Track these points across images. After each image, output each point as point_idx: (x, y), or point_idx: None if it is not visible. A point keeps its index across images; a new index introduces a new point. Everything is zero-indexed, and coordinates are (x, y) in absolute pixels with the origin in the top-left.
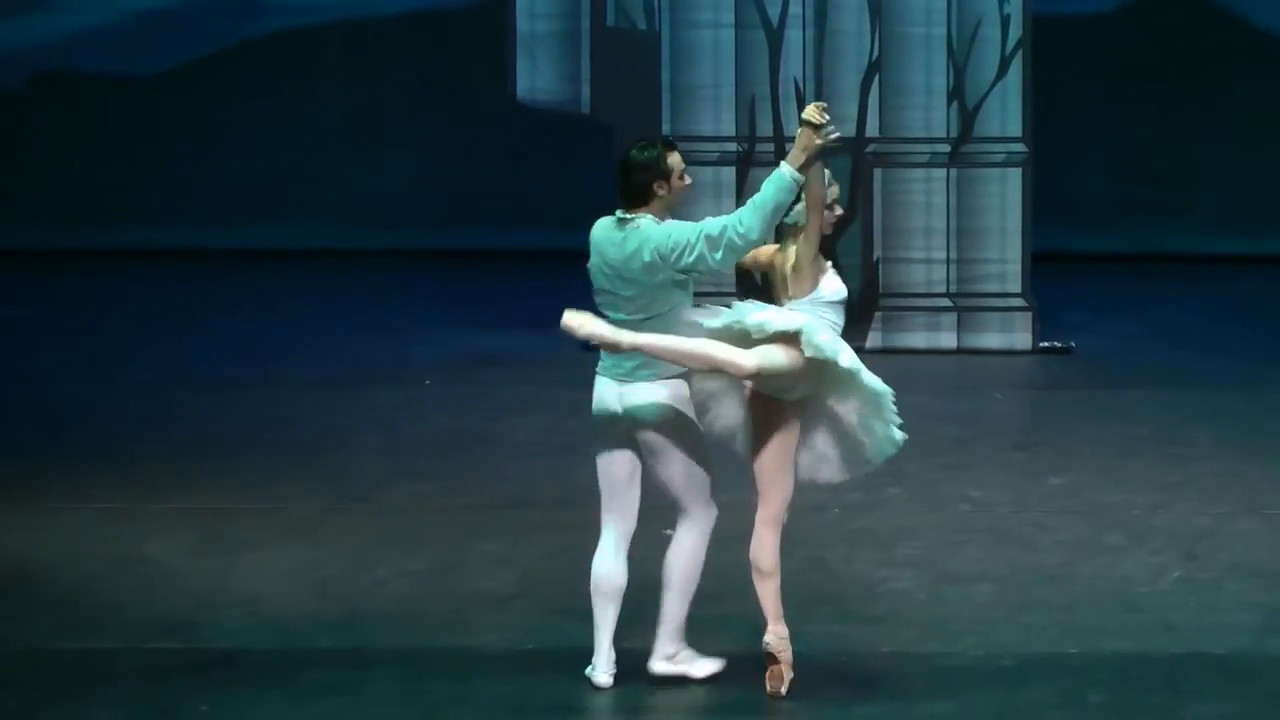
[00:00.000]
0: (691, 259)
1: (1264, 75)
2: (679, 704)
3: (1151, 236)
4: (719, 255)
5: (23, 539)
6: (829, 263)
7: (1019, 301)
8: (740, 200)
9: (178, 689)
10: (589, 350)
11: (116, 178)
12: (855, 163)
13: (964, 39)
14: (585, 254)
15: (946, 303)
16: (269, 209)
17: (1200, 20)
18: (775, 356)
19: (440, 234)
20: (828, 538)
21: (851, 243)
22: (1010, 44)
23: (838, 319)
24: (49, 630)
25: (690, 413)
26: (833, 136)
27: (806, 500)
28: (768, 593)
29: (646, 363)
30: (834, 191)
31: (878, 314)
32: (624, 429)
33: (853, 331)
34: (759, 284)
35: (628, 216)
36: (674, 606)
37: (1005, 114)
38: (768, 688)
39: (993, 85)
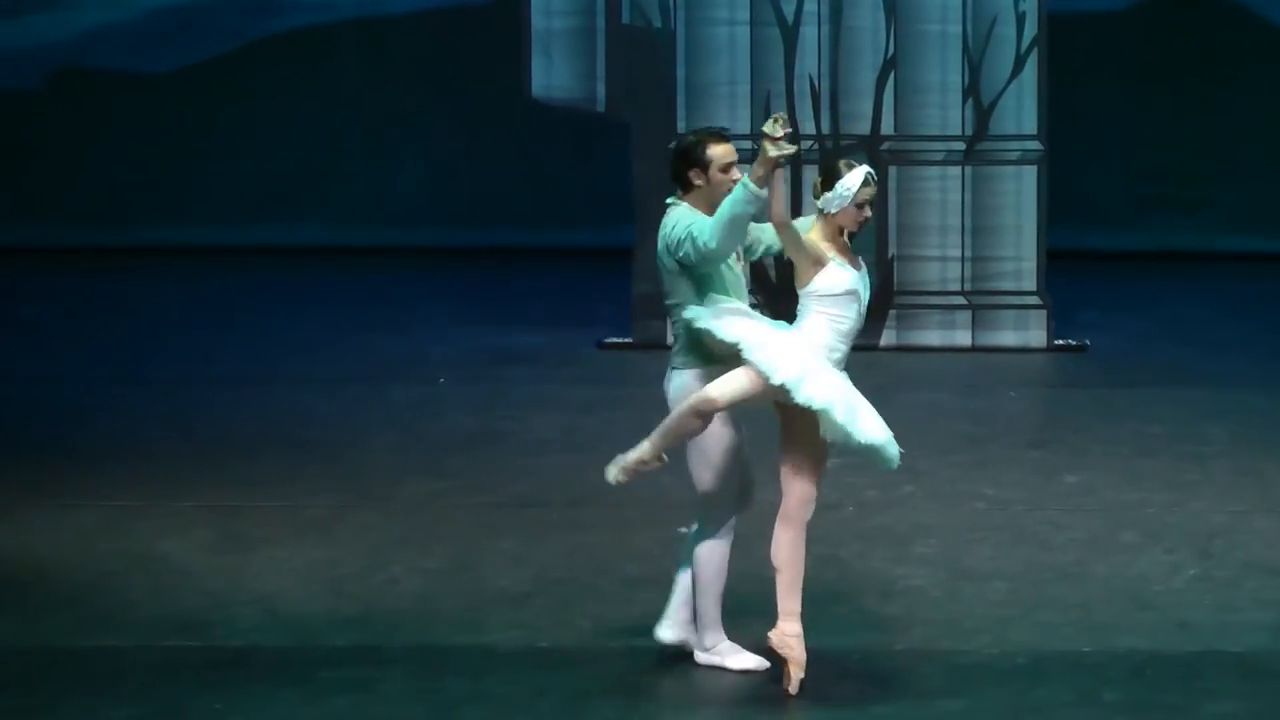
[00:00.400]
0: (681, 254)
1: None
2: (694, 698)
3: (1167, 234)
4: (693, 256)
5: (38, 536)
6: (831, 259)
7: (1034, 299)
8: None
9: (192, 687)
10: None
11: (133, 175)
12: (870, 161)
13: (979, 36)
14: (601, 251)
15: (961, 300)
16: (285, 206)
17: (1216, 18)
18: (734, 386)
19: (455, 231)
20: (842, 535)
21: (866, 240)
22: (1025, 42)
23: (840, 311)
24: (63, 628)
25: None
26: (788, 151)
27: (821, 498)
28: (778, 588)
29: (679, 350)
30: (868, 193)
31: (892, 311)
32: None
33: (867, 329)
34: (773, 282)
35: (670, 201)
36: (699, 601)
37: (1020, 112)
38: (783, 684)
39: (1008, 83)
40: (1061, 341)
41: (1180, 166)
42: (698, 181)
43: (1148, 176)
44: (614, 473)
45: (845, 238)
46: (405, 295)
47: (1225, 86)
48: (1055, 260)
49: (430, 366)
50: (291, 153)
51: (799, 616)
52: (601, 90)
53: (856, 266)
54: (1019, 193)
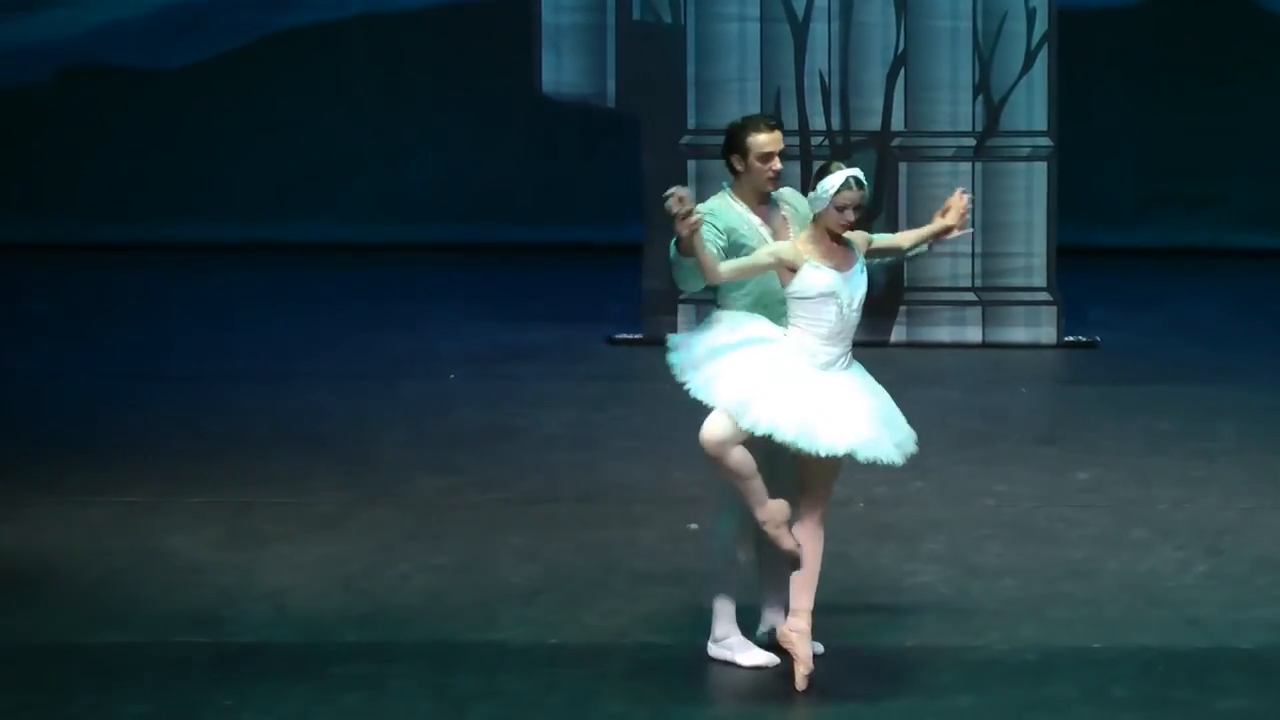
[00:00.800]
0: None
1: None
2: (703, 694)
3: (1177, 231)
4: None
5: (47, 533)
6: (806, 261)
7: (1044, 296)
8: None
9: (202, 683)
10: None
11: (142, 172)
12: (880, 157)
13: (989, 32)
14: (611, 246)
15: (972, 297)
16: (294, 203)
17: (1226, 14)
18: (716, 424)
19: (465, 227)
20: (852, 532)
21: None
22: (1036, 38)
23: (813, 314)
24: (74, 624)
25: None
26: (693, 220)
27: (831, 494)
28: (791, 584)
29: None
30: (849, 197)
31: (902, 308)
32: None
33: (878, 325)
34: None
35: (723, 185)
36: (713, 588)
37: (1031, 108)
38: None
39: (1018, 79)
40: (1072, 338)
41: (1191, 163)
42: (739, 167)
43: (1158, 173)
44: (791, 544)
45: (837, 238)
46: (415, 291)
47: (1236, 83)
48: (1065, 257)
49: (440, 362)
50: (301, 149)
51: (809, 614)
52: (612, 86)
53: (844, 267)
54: (1029, 189)
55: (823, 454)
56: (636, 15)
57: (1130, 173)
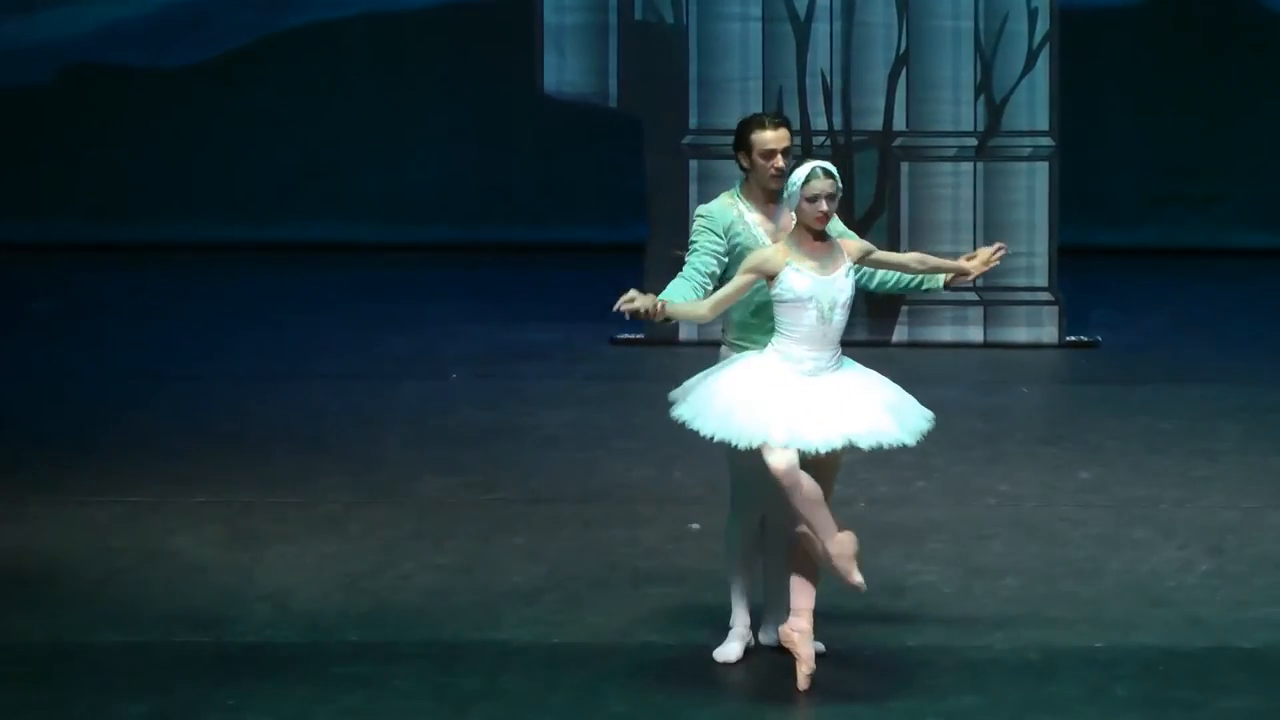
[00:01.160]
0: None
1: None
2: (706, 693)
3: (1180, 230)
4: None
5: (50, 532)
6: (787, 264)
7: (1046, 295)
8: None
9: (205, 682)
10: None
11: (145, 172)
12: (882, 156)
13: (991, 32)
14: (613, 246)
15: (973, 296)
16: (297, 203)
17: (1228, 13)
18: (781, 461)
19: (468, 228)
20: (855, 531)
21: (879, 236)
22: (1038, 37)
23: (791, 318)
24: (76, 624)
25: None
26: (655, 307)
27: (834, 497)
28: (791, 583)
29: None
30: (818, 186)
31: (904, 308)
32: None
33: (880, 325)
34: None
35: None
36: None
37: (1033, 107)
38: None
39: (1020, 79)
40: (1073, 338)
41: (1193, 163)
42: (744, 164)
43: (1160, 172)
44: (858, 580)
45: (820, 236)
46: (417, 291)
47: (1238, 82)
48: (1067, 256)
49: (442, 362)
50: (303, 149)
51: (810, 614)
52: (614, 86)
53: (827, 271)
54: (1031, 189)
55: (821, 451)
56: (638, 15)
57: (1132, 172)
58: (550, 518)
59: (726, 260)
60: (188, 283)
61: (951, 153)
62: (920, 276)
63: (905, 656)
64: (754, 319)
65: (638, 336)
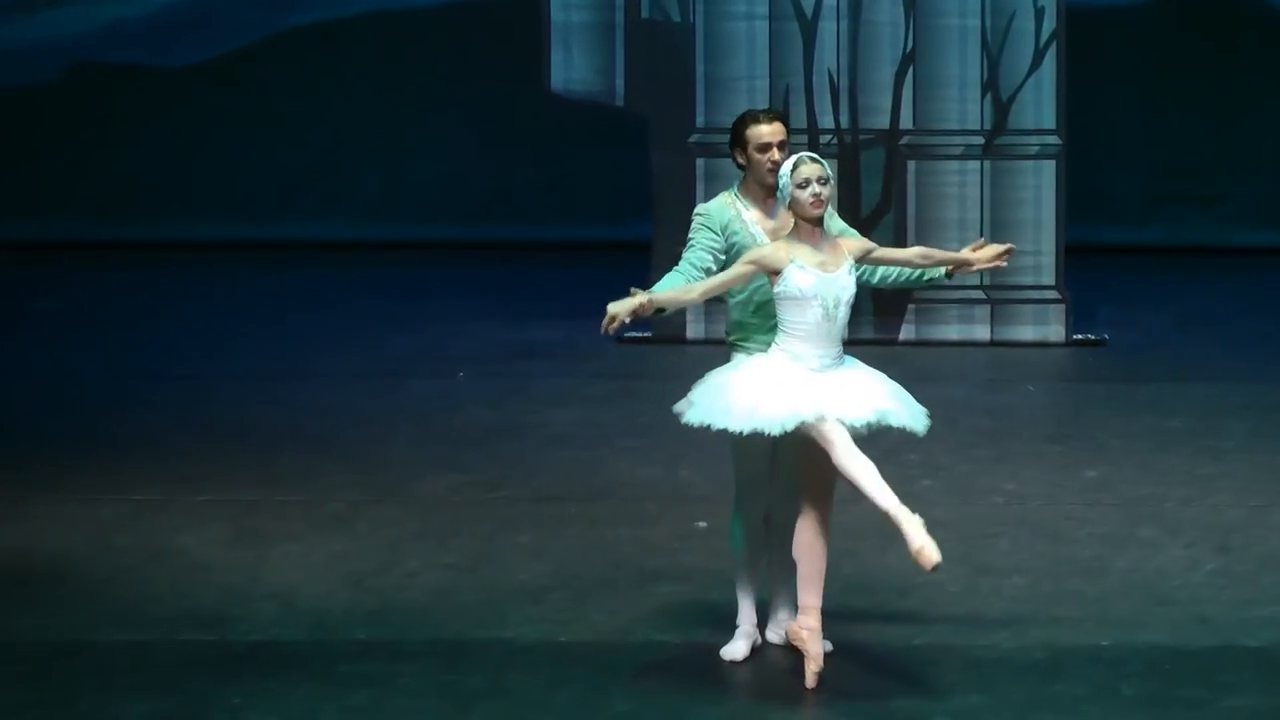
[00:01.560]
0: None
1: None
2: (712, 692)
3: (1186, 229)
4: None
5: (56, 531)
6: (791, 261)
7: (1053, 294)
8: None
9: (210, 681)
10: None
11: (149, 170)
12: (889, 155)
13: (998, 31)
14: (619, 245)
15: (980, 295)
16: (301, 202)
17: (1234, 12)
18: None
19: (473, 226)
20: (861, 530)
21: (885, 234)
22: (1044, 36)
23: (793, 316)
24: (82, 622)
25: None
26: (641, 304)
27: (840, 492)
28: (798, 581)
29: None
30: (806, 171)
31: (911, 306)
32: None
33: (886, 324)
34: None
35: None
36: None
37: (1039, 106)
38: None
39: (1027, 77)
40: (1080, 336)
41: (1199, 161)
42: (741, 161)
43: (1166, 171)
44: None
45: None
46: (423, 290)
47: (1244, 81)
48: (1074, 255)
49: (448, 361)
50: (308, 147)
51: (818, 611)
52: (620, 85)
53: (829, 268)
54: (1038, 187)
55: (857, 425)
56: (645, 13)
57: (1139, 171)
58: (556, 516)
59: (724, 259)
60: (191, 282)
61: (958, 151)
62: (928, 273)
63: (912, 655)
64: (754, 318)
65: (644, 335)
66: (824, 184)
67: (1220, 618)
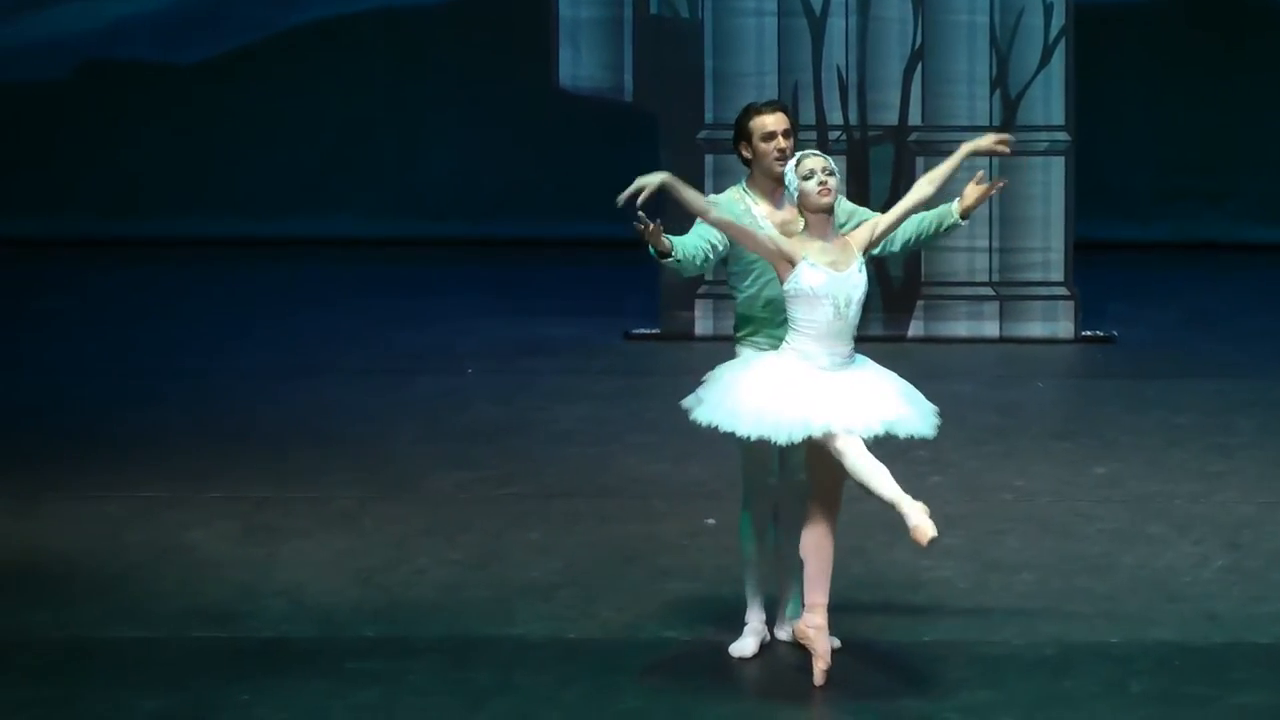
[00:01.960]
0: None
1: None
2: (721, 689)
3: (1195, 225)
4: None
5: (65, 528)
6: (804, 257)
7: (1062, 290)
8: None
9: (220, 678)
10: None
11: (159, 167)
12: (898, 151)
13: (1007, 27)
14: (628, 242)
15: (989, 291)
16: (310, 198)
17: (1243, 8)
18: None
19: (482, 223)
20: (870, 526)
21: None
22: (1053, 32)
23: (805, 314)
24: (91, 618)
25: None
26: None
27: (847, 490)
28: (804, 579)
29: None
30: (809, 164)
31: (920, 302)
32: None
33: (895, 320)
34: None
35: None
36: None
37: (1048, 102)
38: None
39: (1036, 74)
40: (1089, 332)
41: (1208, 157)
42: (747, 154)
43: (1176, 167)
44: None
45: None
46: (432, 286)
47: (1252, 77)
48: (1083, 251)
49: (457, 358)
50: (318, 144)
51: (824, 609)
52: (629, 81)
53: (841, 266)
54: (1047, 183)
55: (865, 436)
56: (654, 9)
57: (1148, 167)
58: (565, 513)
59: (724, 249)
60: (198, 278)
61: None
62: (938, 219)
63: (920, 651)
64: (763, 313)
65: (653, 332)
66: (829, 174)
67: (1229, 614)
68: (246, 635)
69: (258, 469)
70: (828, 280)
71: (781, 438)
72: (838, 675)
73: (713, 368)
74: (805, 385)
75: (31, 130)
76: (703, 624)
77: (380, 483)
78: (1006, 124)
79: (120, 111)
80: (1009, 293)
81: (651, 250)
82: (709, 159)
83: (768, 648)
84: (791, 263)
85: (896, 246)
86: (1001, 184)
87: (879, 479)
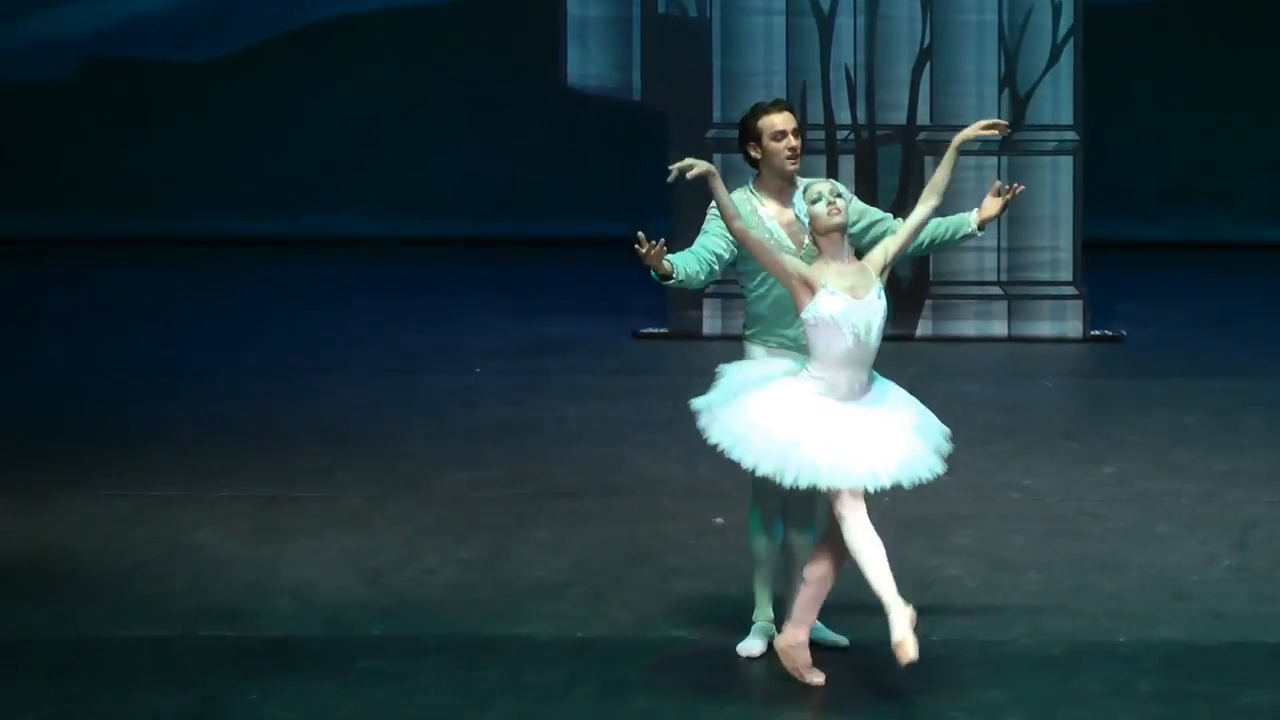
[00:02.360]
0: None
1: None
2: (729, 689)
3: (1203, 225)
4: None
5: (74, 526)
6: (823, 285)
7: (1070, 290)
8: None
9: (229, 677)
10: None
11: (168, 166)
12: (906, 151)
13: (1015, 26)
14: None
15: (997, 291)
16: (318, 197)
17: (1251, 7)
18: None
19: (490, 222)
20: (878, 525)
21: None
22: (1062, 32)
23: (821, 341)
24: (100, 617)
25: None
26: (699, 169)
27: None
28: (800, 597)
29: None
30: (815, 189)
31: (928, 301)
32: None
33: (904, 320)
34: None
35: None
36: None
37: (1057, 102)
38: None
39: (1044, 73)
40: (1097, 332)
41: (1216, 157)
42: (755, 154)
43: (1184, 167)
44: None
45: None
46: (440, 286)
47: (1263, 76)
48: (1091, 250)
49: (465, 357)
50: (325, 143)
51: (808, 628)
52: (637, 80)
53: (859, 293)
54: (1055, 183)
55: (871, 489)
56: (662, 8)
57: (1156, 166)
58: (573, 512)
59: (735, 250)
60: (209, 277)
61: (975, 147)
62: (954, 228)
63: (928, 651)
64: (770, 312)
65: (660, 331)
66: (836, 195)
67: (1237, 614)
68: (255, 634)
69: (266, 468)
70: (847, 308)
71: (787, 480)
72: (844, 674)
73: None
74: (819, 425)
75: (39, 129)
76: (711, 623)
77: (389, 482)
78: (1015, 123)
79: (128, 110)
80: (1017, 292)
81: (653, 273)
82: (717, 158)
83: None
84: (811, 289)
85: (910, 249)
86: (1019, 188)
87: (874, 566)
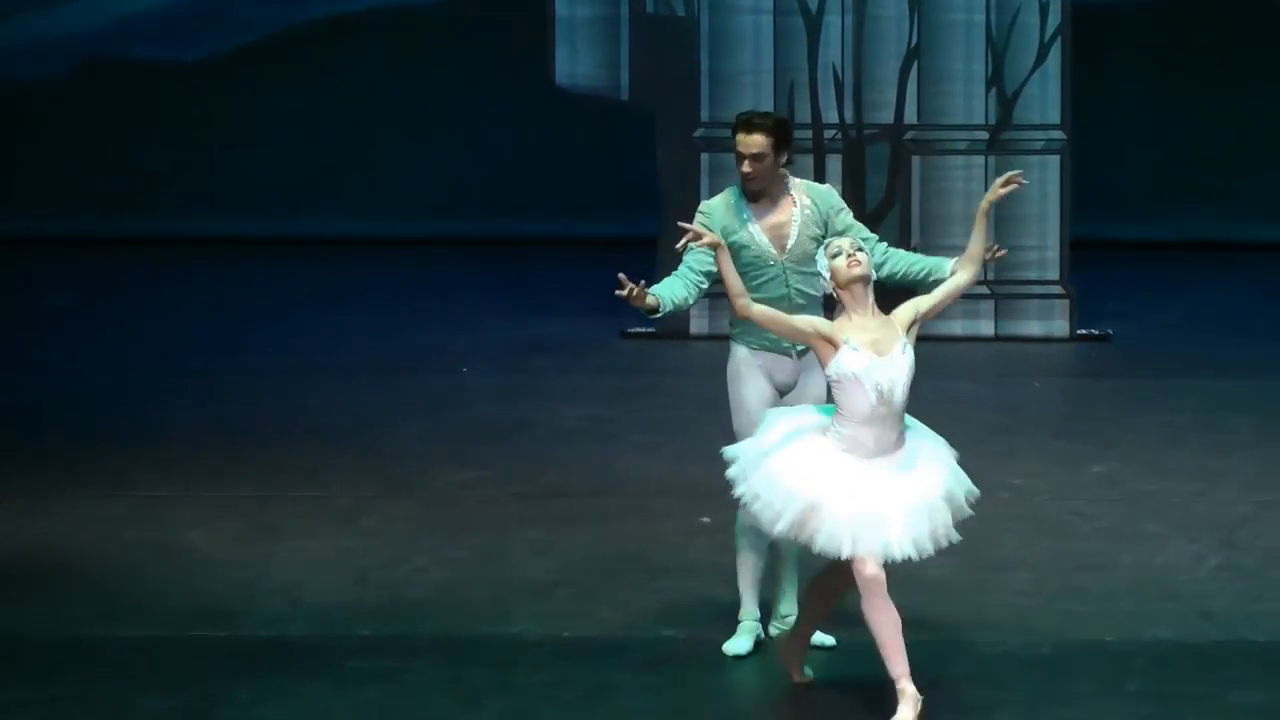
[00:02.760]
0: None
1: None
2: (719, 688)
3: (1192, 224)
4: None
5: (66, 526)
6: (845, 341)
7: (1058, 289)
8: None
9: (220, 677)
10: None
11: (163, 166)
12: (894, 150)
13: (1003, 26)
14: (625, 240)
15: (985, 290)
16: (311, 198)
17: (1240, 6)
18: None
19: (480, 222)
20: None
21: (889, 230)
22: (1049, 31)
23: (845, 398)
24: (91, 618)
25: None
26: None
27: None
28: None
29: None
30: (834, 245)
31: None
32: None
33: None
34: None
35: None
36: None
37: (1044, 101)
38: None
39: (1032, 72)
40: (1085, 331)
41: (1205, 156)
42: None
43: (1171, 166)
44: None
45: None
46: (430, 286)
47: (1250, 75)
48: (1079, 250)
49: (457, 357)
50: (319, 143)
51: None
52: (625, 79)
53: (883, 349)
54: (1043, 182)
55: (896, 559)
56: (650, 8)
57: (1144, 166)
58: (563, 511)
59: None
60: (200, 277)
61: (963, 146)
62: (928, 271)
63: (917, 650)
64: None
65: (649, 331)
66: (856, 249)
67: (1226, 613)
68: (246, 634)
69: (258, 467)
70: (869, 365)
71: (814, 548)
72: (833, 673)
73: (708, 367)
74: (841, 489)
75: (35, 129)
76: (699, 622)
77: (380, 481)
78: (1002, 123)
79: (123, 110)
80: (1005, 291)
81: (641, 310)
82: (705, 157)
83: (762, 645)
84: (834, 345)
85: (883, 274)
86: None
87: (889, 643)
